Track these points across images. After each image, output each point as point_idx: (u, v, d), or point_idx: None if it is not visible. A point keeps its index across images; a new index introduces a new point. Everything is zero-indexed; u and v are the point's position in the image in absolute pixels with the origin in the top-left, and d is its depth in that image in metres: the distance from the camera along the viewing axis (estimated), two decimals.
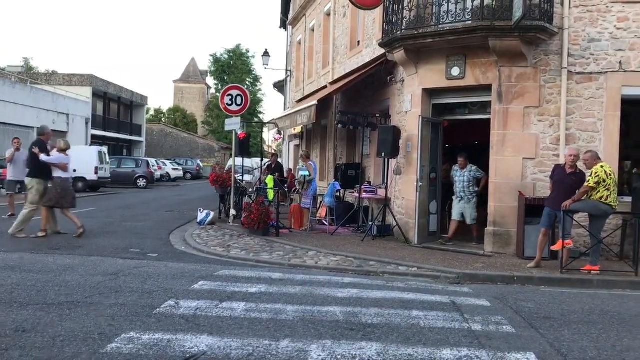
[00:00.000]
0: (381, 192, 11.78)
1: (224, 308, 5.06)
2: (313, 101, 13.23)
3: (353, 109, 14.12)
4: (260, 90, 59.30)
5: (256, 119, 47.43)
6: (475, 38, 9.26)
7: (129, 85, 63.31)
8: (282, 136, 30.30)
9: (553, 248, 8.34)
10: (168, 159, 43.06)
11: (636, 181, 9.39)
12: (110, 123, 39.39)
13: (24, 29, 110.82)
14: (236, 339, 4.15)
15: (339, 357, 3.86)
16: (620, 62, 9.04)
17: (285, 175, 17.44)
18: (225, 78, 55.50)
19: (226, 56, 58.00)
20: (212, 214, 12.97)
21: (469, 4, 9.43)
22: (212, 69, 58.70)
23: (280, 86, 31.80)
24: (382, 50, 11.41)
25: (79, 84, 35.12)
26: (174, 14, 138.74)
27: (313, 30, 20.57)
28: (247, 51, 58.52)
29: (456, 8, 9.35)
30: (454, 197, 10.43)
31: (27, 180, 10.05)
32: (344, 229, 12.18)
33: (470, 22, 9.26)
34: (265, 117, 53.44)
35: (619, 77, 9.03)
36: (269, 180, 13.75)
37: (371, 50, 13.25)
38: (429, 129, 10.48)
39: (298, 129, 20.72)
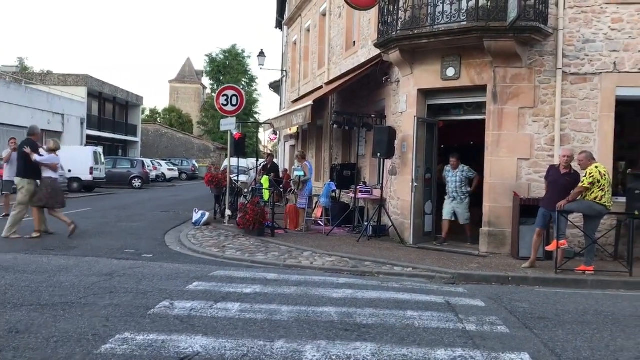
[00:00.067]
0: (377, 193, 11.79)
1: (219, 309, 5.05)
2: (308, 101, 13.24)
3: (348, 109, 14.13)
4: (256, 90, 59.15)
5: (252, 119, 47.32)
6: (470, 39, 9.29)
7: (125, 85, 63.22)
8: (277, 136, 30.27)
9: (548, 248, 8.35)
10: (163, 160, 43.00)
11: (630, 181, 9.41)
12: (105, 123, 39.27)
13: (19, 28, 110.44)
14: (231, 339, 4.14)
15: (333, 357, 3.86)
16: (614, 63, 9.08)
17: (281, 175, 17.43)
18: (221, 78, 55.34)
19: (222, 56, 57.83)
20: (207, 214, 12.96)
21: (464, 5, 9.45)
22: (208, 69, 58.50)
23: (276, 86, 31.79)
24: (378, 51, 11.43)
25: (74, 84, 34.99)
26: (169, 13, 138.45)
27: (309, 30, 20.58)
28: (243, 51, 58.43)
29: (451, 9, 9.38)
30: (446, 197, 10.45)
31: (17, 180, 10.00)
32: (340, 229, 12.18)
33: (465, 22, 9.29)
34: (261, 118, 53.36)
35: (614, 78, 9.07)
36: (265, 180, 13.72)
37: (367, 51, 13.26)
38: (424, 129, 10.51)
39: (294, 130, 20.73)
